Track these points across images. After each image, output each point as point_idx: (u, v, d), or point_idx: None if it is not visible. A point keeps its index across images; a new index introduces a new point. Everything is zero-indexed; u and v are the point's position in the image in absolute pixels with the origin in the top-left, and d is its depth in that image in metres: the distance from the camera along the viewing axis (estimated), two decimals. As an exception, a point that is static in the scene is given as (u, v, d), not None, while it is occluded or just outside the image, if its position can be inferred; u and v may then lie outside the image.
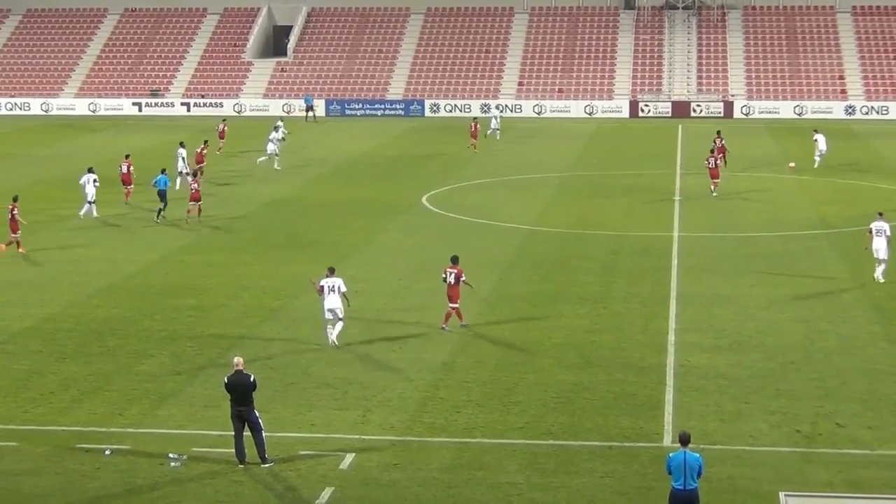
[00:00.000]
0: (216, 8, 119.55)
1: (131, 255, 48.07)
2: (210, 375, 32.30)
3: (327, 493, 24.96)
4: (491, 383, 31.90)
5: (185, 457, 26.73)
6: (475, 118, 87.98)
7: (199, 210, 55.14)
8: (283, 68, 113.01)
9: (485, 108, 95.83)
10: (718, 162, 63.79)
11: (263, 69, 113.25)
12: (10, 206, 49.38)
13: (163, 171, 57.51)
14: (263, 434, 26.43)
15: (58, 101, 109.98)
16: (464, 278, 37.17)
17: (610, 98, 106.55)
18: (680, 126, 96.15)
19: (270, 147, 72.23)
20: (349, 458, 26.68)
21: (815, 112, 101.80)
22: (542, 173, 70.47)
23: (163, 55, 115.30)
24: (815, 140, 73.38)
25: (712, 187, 62.29)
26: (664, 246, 49.29)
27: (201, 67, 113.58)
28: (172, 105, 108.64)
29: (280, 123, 78.83)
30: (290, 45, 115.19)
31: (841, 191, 63.82)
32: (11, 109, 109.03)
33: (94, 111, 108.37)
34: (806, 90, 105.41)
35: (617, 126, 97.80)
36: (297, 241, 50.76)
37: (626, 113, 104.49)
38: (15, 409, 30.10)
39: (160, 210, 55.50)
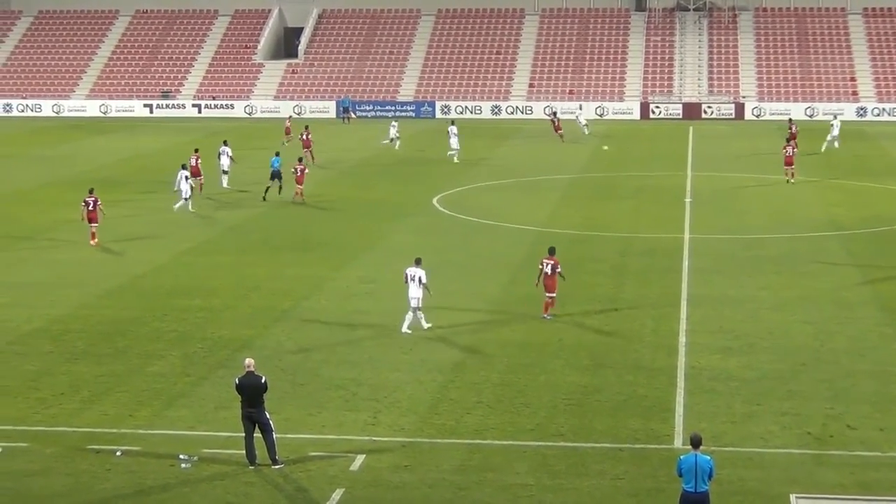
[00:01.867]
0: (227, 10, 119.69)
1: (139, 257, 48.12)
2: (220, 377, 32.32)
3: (338, 494, 24.95)
4: (501, 385, 31.87)
5: (195, 458, 26.73)
6: (554, 111, 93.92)
7: (302, 194, 60.44)
8: (294, 70, 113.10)
9: (571, 110, 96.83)
10: (795, 150, 67.50)
11: (274, 71, 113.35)
12: (92, 199, 50.58)
13: (277, 154, 63.21)
14: (274, 435, 26.43)
15: (69, 102, 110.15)
16: (559, 269, 38.12)
17: (621, 100, 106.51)
18: (691, 128, 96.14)
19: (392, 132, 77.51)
20: (359, 459, 26.67)
21: (826, 114, 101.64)
22: (553, 175, 70.43)
23: (174, 57, 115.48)
24: (832, 125, 76.45)
25: (790, 176, 65.51)
26: (674, 247, 49.22)
27: (212, 69, 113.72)
28: (183, 107, 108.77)
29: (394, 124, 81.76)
30: (301, 47, 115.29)
31: (851, 192, 63.71)
32: (23, 111, 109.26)
33: (105, 113, 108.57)
34: (817, 92, 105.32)
35: (628, 128, 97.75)
36: (305, 243, 50.76)
37: (636, 114, 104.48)
38: (25, 410, 30.13)
39: (280, 187, 60.98)
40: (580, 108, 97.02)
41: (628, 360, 33.95)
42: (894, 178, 68.34)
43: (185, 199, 57.72)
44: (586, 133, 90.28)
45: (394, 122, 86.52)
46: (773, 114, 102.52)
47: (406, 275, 36.75)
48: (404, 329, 36.51)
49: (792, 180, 65.64)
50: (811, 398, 30.68)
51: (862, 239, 50.95)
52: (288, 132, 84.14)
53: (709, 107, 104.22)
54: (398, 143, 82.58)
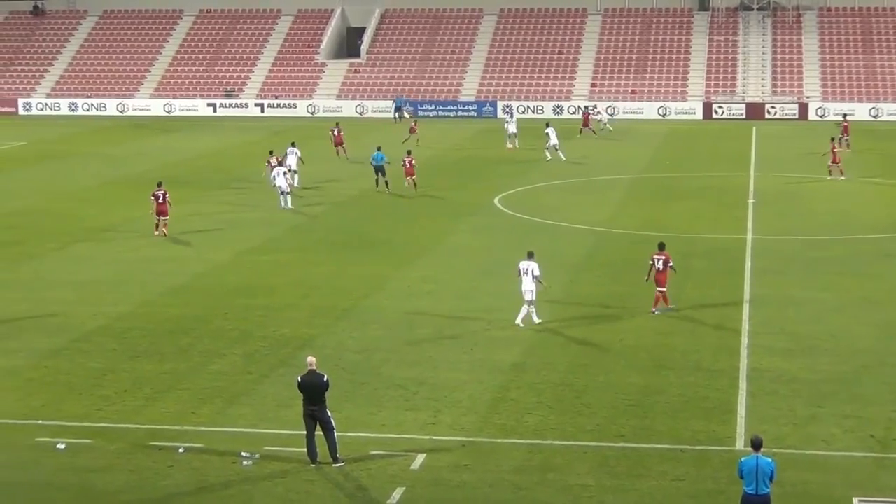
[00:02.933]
0: (290, 10, 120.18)
1: (202, 255, 48.44)
2: (281, 375, 32.48)
3: (398, 493, 25.02)
4: (562, 385, 31.84)
5: (257, 455, 26.89)
6: (585, 107, 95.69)
7: (415, 184, 63.51)
8: (356, 69, 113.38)
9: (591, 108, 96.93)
10: (840, 147, 68.77)
11: (336, 70, 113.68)
12: (161, 192, 52.28)
13: (378, 149, 65.18)
14: (335, 434, 26.54)
15: (133, 101, 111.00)
16: (671, 264, 39.20)
17: (684, 100, 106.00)
18: (754, 128, 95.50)
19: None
20: (420, 458, 26.73)
21: (891, 114, 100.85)
22: (615, 175, 70.24)
23: (237, 56, 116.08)
24: None
25: (835, 174, 66.79)
26: (737, 248, 48.95)
27: (275, 69, 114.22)
28: (246, 106, 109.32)
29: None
30: (364, 47, 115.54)
31: (917, 194, 63.09)
32: (88, 110, 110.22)
33: (168, 112, 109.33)
34: (882, 92, 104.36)
35: (690, 128, 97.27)
36: (366, 242, 50.90)
37: (699, 115, 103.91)
38: (89, 407, 30.41)
39: (383, 181, 63.63)
40: (595, 108, 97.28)
41: (689, 362, 33.81)
42: (960, 180, 67.69)
43: (284, 193, 58.89)
44: (610, 129, 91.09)
45: (508, 119, 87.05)
46: (836, 114, 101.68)
47: (519, 269, 37.51)
48: (518, 321, 37.18)
49: (838, 177, 66.31)
50: (874, 401, 30.43)
51: (927, 240, 50.47)
52: (413, 131, 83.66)
53: (772, 107, 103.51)
54: (517, 140, 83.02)
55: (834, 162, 67.37)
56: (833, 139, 72.05)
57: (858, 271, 44.90)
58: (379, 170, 63.70)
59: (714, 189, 64.95)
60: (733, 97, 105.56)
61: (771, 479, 22.17)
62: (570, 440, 27.95)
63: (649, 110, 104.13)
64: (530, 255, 37.80)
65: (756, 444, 22.32)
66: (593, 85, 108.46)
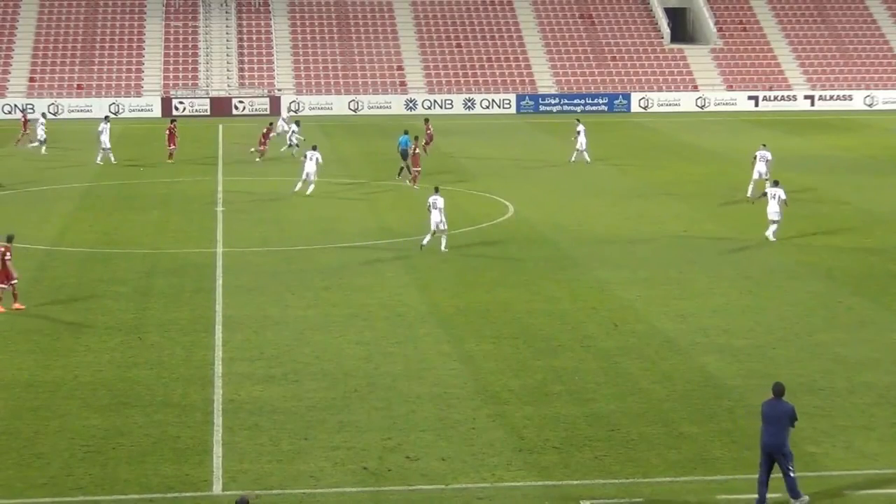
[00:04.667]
0: None
1: None
2: None
3: None
4: (6, 434, 31.04)
5: None
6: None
7: None
8: None
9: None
10: (417, 151, 68.59)
11: None
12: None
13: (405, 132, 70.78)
14: None
15: None
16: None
17: (139, 95, 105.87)
18: (220, 126, 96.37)
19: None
20: None
21: (372, 107, 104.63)
22: (66, 184, 69.25)
23: None
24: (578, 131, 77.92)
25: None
26: (206, 264, 49.27)
27: None
28: None
29: None
30: None
31: (402, 197, 65.31)
32: None
33: None
34: (361, 84, 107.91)
35: (149, 126, 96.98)
36: None
37: (157, 111, 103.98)
38: None
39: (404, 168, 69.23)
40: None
41: (157, 397, 33.72)
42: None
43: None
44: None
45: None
46: (312, 108, 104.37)
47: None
48: None
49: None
50: (365, 428, 31.28)
51: (407, 246, 52.31)
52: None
53: (240, 101, 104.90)
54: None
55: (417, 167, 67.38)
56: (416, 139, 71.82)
57: (345, 284, 46.06)
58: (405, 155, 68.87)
59: (179, 196, 65.17)
60: (196, 91, 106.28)
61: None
62: (19, 498, 27.26)
63: (99, 108, 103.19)
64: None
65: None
66: (31, 80, 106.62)
